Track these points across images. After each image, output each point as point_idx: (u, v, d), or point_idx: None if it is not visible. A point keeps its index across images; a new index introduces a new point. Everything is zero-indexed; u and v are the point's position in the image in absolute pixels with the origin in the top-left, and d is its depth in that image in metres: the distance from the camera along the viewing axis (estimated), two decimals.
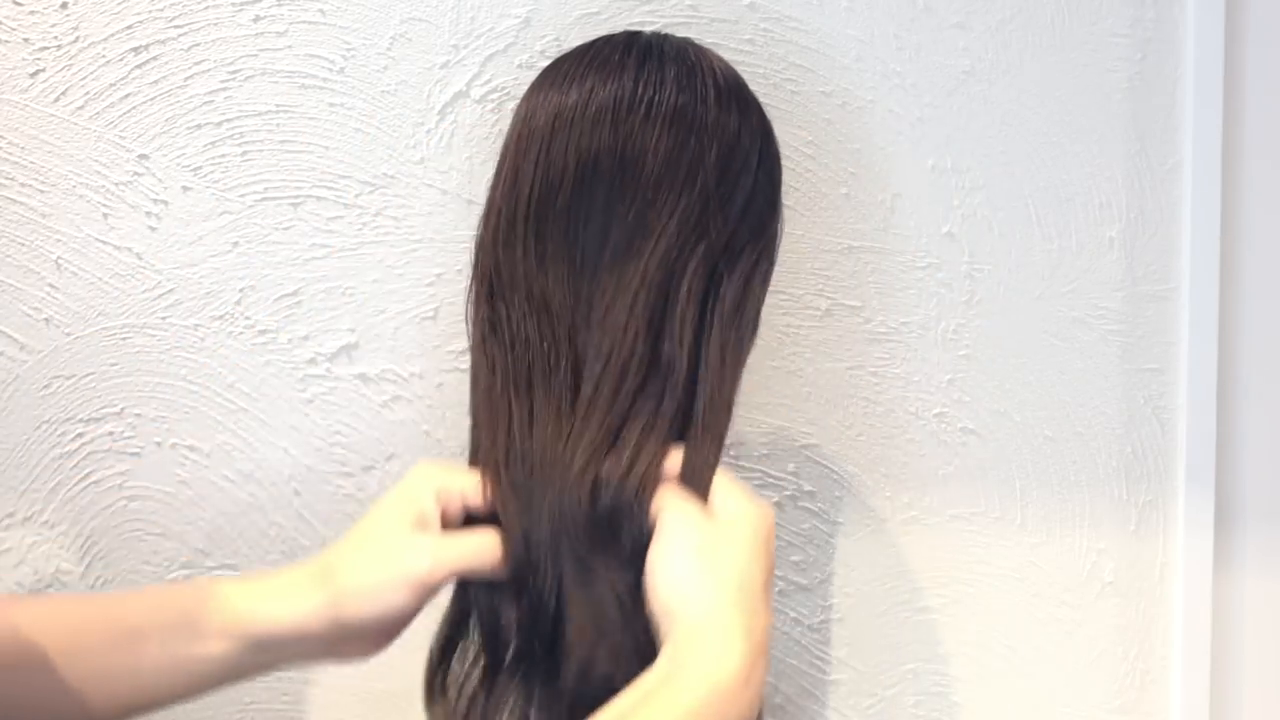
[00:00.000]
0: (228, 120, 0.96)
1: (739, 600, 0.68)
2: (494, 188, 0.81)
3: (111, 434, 0.95)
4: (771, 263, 0.82)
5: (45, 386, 0.94)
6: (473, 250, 0.83)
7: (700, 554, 0.69)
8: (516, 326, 0.78)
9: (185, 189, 0.95)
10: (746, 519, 0.71)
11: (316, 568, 0.75)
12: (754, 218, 0.80)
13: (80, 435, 0.95)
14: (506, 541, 0.74)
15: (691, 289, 0.76)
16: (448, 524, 0.75)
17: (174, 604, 0.74)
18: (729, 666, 0.65)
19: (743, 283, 0.79)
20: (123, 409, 0.95)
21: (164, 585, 0.78)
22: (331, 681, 0.98)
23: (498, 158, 0.83)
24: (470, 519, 0.76)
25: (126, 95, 0.94)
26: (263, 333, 0.97)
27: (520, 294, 0.78)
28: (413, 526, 0.73)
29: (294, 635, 0.73)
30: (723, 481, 0.74)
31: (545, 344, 0.77)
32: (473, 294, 0.81)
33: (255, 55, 0.95)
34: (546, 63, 0.85)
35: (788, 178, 1.00)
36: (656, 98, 0.77)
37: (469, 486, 0.76)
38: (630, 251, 0.76)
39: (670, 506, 0.72)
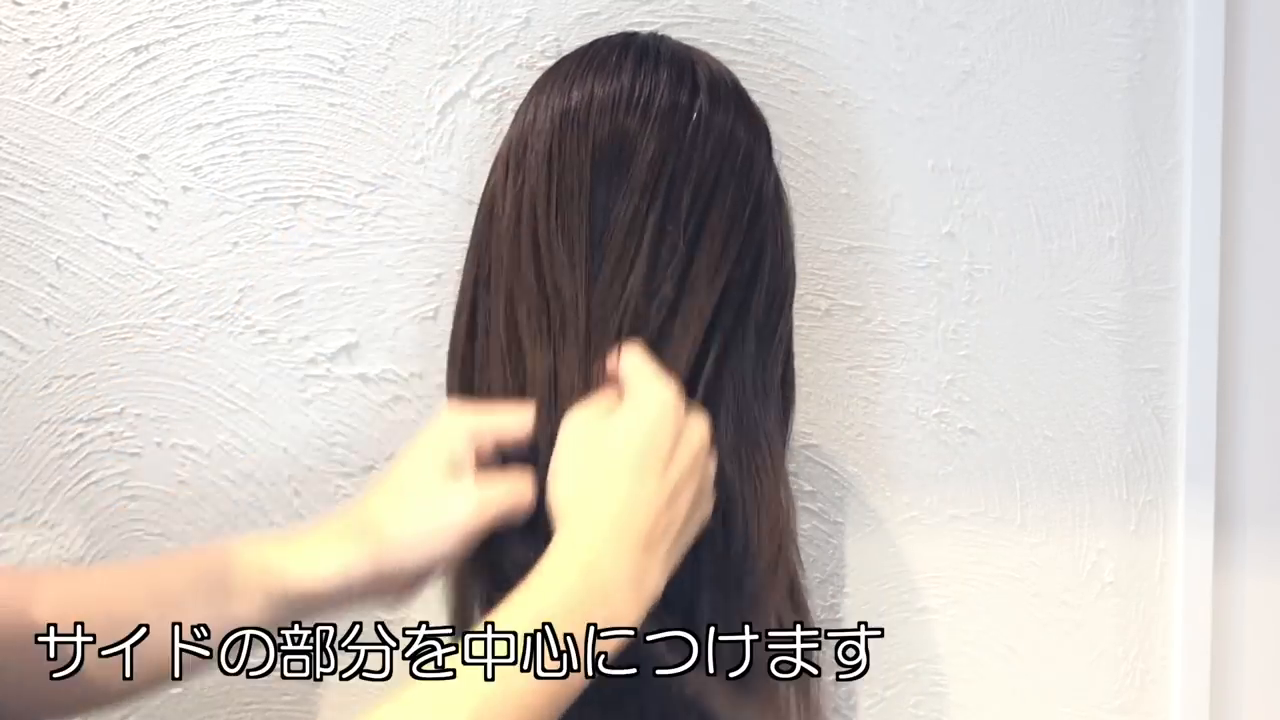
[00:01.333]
0: (228, 120, 0.96)
1: (599, 508, 0.68)
2: (496, 190, 0.81)
3: (111, 434, 0.95)
4: (781, 285, 0.83)
5: (45, 386, 0.94)
6: (469, 254, 0.83)
7: (575, 460, 0.71)
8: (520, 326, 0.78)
9: (185, 189, 0.95)
10: (631, 414, 0.72)
11: (351, 521, 0.75)
12: (757, 225, 0.80)
13: (80, 435, 0.95)
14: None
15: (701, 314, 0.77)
16: (480, 465, 0.75)
17: (211, 568, 0.74)
18: (565, 579, 0.66)
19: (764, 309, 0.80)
20: (123, 409, 0.95)
21: (196, 550, 0.78)
22: (334, 680, 0.98)
23: (494, 161, 0.83)
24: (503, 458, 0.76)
25: (126, 95, 0.94)
26: (263, 333, 0.97)
27: (529, 301, 0.78)
28: (447, 473, 0.73)
29: (333, 590, 0.73)
30: (628, 366, 0.74)
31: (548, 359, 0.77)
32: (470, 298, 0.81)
33: (255, 55, 0.95)
34: (546, 63, 0.85)
35: (788, 178, 1.00)
36: (652, 97, 0.77)
37: (503, 424, 0.76)
38: (644, 259, 0.76)
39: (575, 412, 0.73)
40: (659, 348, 0.76)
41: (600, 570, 0.66)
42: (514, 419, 0.75)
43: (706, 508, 0.74)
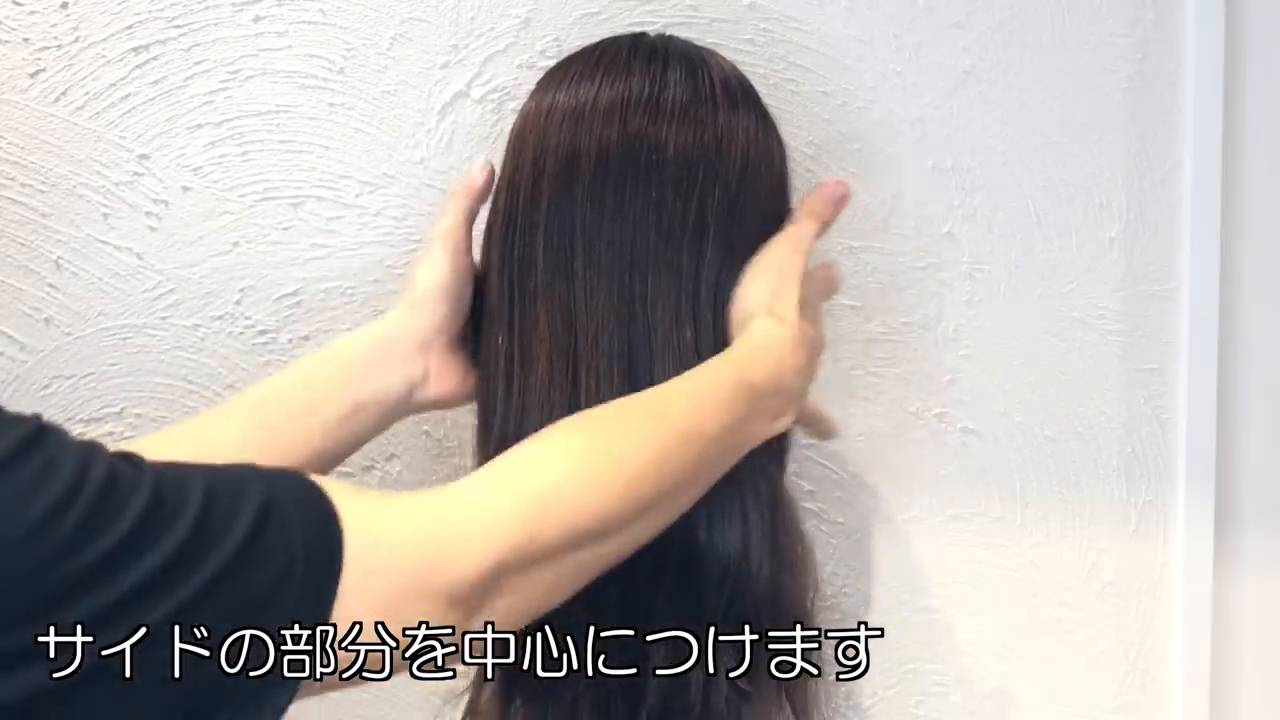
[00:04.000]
0: (228, 120, 0.96)
1: (765, 299, 0.77)
2: (501, 191, 0.81)
3: (111, 434, 0.95)
4: None
5: (45, 386, 0.94)
6: (482, 255, 0.83)
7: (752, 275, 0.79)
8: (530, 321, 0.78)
9: (185, 189, 0.95)
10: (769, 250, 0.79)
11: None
12: (770, 220, 0.80)
13: (80, 435, 0.95)
14: None
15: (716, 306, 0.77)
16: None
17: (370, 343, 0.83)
18: (748, 348, 0.75)
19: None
20: (123, 409, 0.95)
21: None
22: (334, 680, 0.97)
23: (502, 160, 0.83)
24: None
25: (126, 95, 0.94)
26: (263, 333, 0.97)
27: (540, 294, 0.78)
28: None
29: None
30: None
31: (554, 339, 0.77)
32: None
33: (255, 55, 0.95)
34: (547, 62, 0.85)
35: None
36: (661, 96, 0.77)
37: (470, 189, 0.86)
38: (660, 260, 0.76)
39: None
40: (680, 351, 0.76)
41: (778, 337, 0.75)
42: (477, 181, 0.85)
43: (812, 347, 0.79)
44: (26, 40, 0.93)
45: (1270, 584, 1.12)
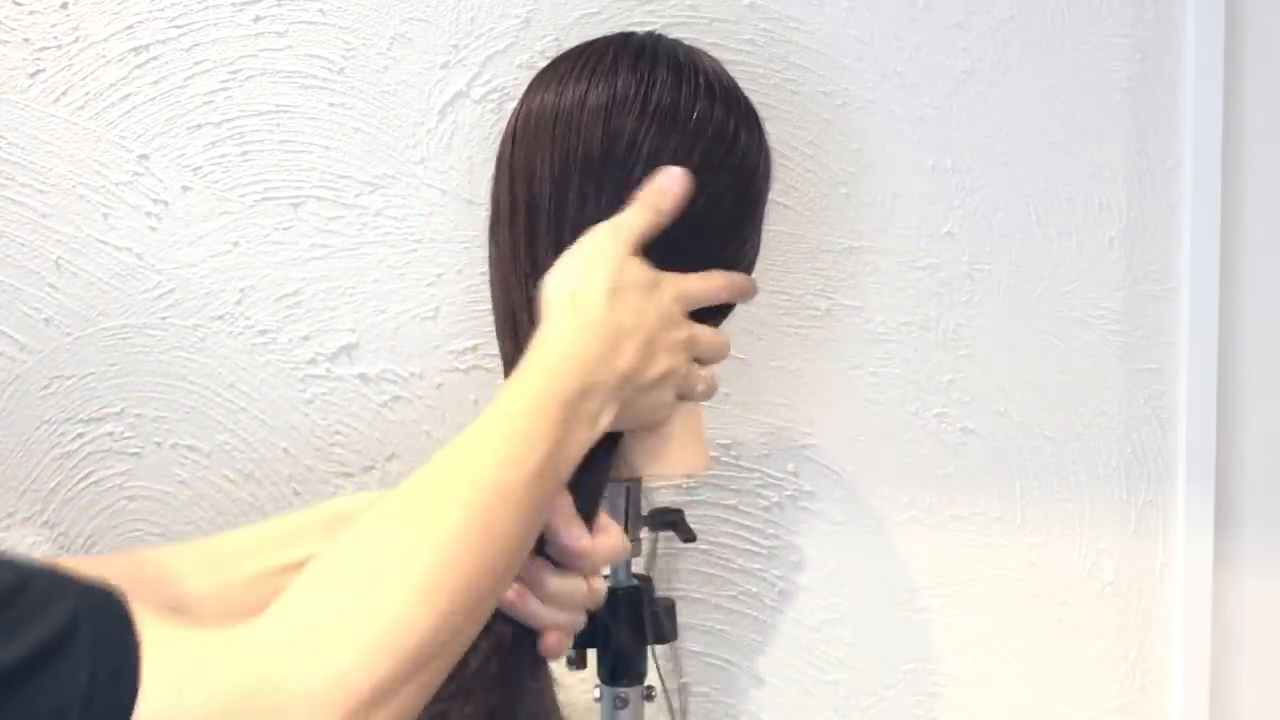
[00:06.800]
0: (228, 120, 0.96)
1: (568, 286, 0.73)
2: (494, 189, 0.81)
3: (111, 434, 0.95)
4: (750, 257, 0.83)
5: (45, 386, 0.95)
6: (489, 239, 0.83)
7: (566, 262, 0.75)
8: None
9: (185, 189, 0.95)
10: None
11: None
12: (742, 214, 0.80)
13: (80, 435, 0.95)
14: None
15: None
16: None
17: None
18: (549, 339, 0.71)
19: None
20: (123, 409, 0.95)
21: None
22: None
23: (495, 160, 0.83)
24: None
25: (126, 95, 0.94)
26: (263, 333, 0.97)
27: (520, 300, 0.78)
28: None
29: None
30: None
31: None
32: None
33: (255, 55, 0.96)
34: (546, 63, 0.85)
35: (788, 178, 1.01)
36: (647, 97, 0.77)
37: None
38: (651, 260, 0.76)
39: None
40: None
41: (570, 331, 0.71)
42: None
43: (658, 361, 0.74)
44: (26, 40, 0.93)
45: (1270, 584, 1.12)
